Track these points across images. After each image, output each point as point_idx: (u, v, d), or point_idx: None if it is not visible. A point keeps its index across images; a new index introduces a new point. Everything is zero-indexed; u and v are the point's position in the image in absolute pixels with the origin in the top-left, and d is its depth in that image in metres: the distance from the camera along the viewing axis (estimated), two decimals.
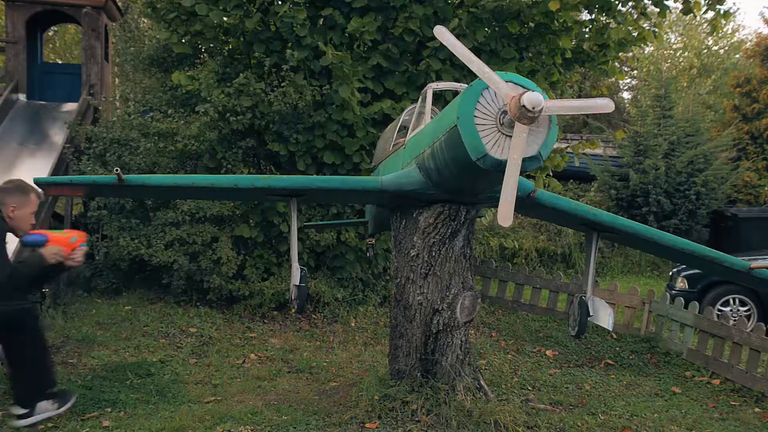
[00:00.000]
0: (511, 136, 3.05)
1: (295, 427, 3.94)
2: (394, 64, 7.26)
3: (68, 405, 4.07)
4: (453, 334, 4.13)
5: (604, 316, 3.93)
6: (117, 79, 15.17)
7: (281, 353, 5.90)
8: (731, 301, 7.69)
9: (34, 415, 3.95)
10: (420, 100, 4.37)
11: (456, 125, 3.19)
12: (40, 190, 4.12)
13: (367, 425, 3.95)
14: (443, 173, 3.58)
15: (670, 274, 8.68)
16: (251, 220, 7.26)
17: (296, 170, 7.28)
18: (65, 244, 3.96)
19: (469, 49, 3.21)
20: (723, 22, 7.89)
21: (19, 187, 4.02)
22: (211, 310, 6.89)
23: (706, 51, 23.49)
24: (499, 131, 3.13)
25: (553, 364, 6.07)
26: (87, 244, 4.17)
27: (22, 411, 3.95)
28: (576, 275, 7.93)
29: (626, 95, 25.28)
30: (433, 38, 6.62)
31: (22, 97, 9.74)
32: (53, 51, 19.37)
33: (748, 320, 7.23)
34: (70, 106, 9.67)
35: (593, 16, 7.87)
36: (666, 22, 9.24)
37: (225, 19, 7.10)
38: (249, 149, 7.29)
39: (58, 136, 8.75)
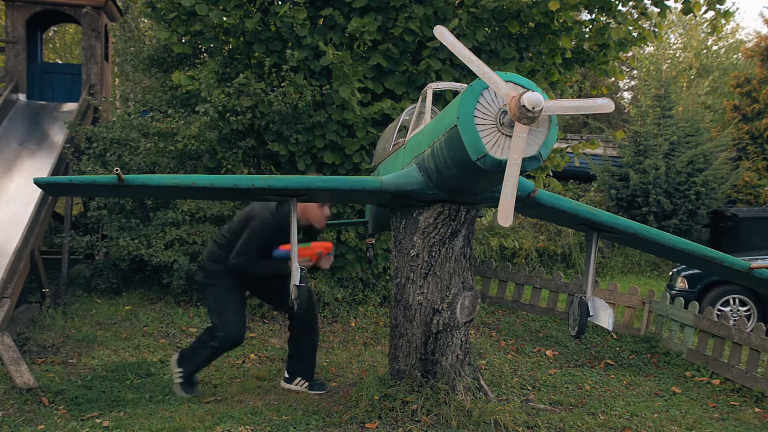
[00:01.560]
0: (511, 136, 3.05)
1: (295, 427, 3.94)
2: (394, 64, 7.26)
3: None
4: (453, 334, 4.13)
5: (604, 316, 3.93)
6: (117, 79, 15.17)
7: (281, 353, 5.90)
8: (731, 301, 7.69)
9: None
10: (420, 100, 4.37)
11: (456, 125, 3.19)
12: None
13: (367, 425, 3.95)
14: (443, 173, 3.58)
15: (670, 274, 8.69)
16: None
17: (296, 170, 7.28)
18: (311, 255, 4.37)
19: (469, 49, 3.21)
20: (723, 22, 7.88)
21: None
22: None
23: (705, 51, 23.49)
24: (499, 131, 3.13)
25: (553, 364, 6.07)
26: (333, 253, 4.54)
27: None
28: (576, 275, 7.93)
29: (626, 95, 25.30)
30: (433, 38, 6.65)
31: (22, 97, 9.76)
32: (53, 51, 19.36)
33: (748, 320, 7.24)
34: (70, 106, 9.68)
35: (593, 16, 7.87)
36: (666, 22, 9.20)
37: (225, 19, 7.10)
38: (249, 149, 7.29)
39: (58, 136, 8.76)
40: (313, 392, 4.68)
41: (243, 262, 4.36)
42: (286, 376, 4.84)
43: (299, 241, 4.24)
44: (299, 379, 4.78)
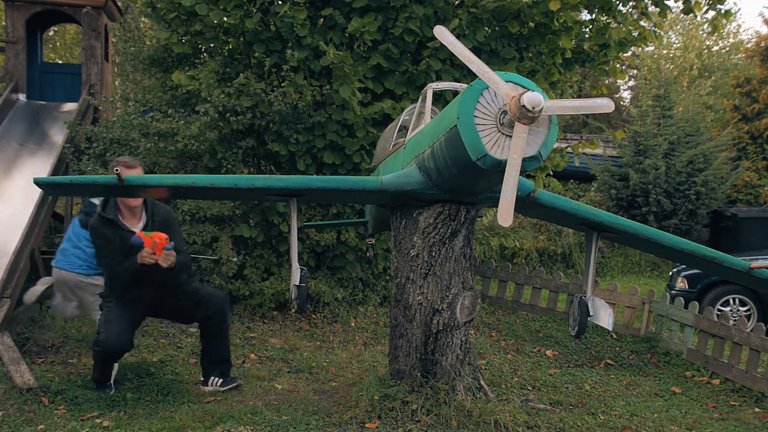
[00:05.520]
0: (511, 136, 3.05)
1: (295, 427, 3.94)
2: (394, 64, 7.26)
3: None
4: (453, 334, 4.14)
5: (604, 316, 3.93)
6: (117, 80, 15.17)
7: (281, 353, 5.90)
8: (731, 301, 7.69)
9: None
10: (420, 100, 4.37)
11: (456, 125, 3.19)
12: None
13: (367, 425, 3.95)
14: (443, 173, 3.58)
15: (670, 274, 8.69)
16: (251, 220, 7.26)
17: (296, 170, 7.28)
18: (149, 245, 4.19)
19: (469, 49, 3.21)
20: (724, 22, 7.88)
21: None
22: None
23: (706, 51, 23.49)
24: (499, 131, 3.13)
25: (553, 364, 6.07)
26: (169, 247, 4.29)
27: None
28: (576, 275, 7.93)
29: (626, 95, 25.31)
30: (433, 38, 6.65)
31: (22, 97, 9.75)
32: (53, 51, 19.37)
33: (748, 320, 7.24)
34: (70, 106, 9.68)
35: (593, 16, 7.88)
36: (666, 22, 9.24)
37: (225, 19, 7.10)
38: (249, 149, 7.29)
39: (58, 136, 8.75)
40: (226, 387, 4.66)
41: (107, 275, 4.49)
42: (202, 378, 4.79)
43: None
44: (213, 378, 4.73)
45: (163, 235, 4.23)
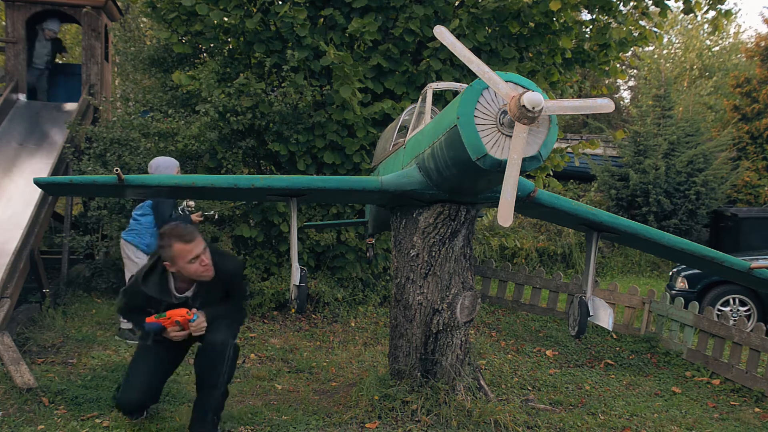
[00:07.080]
0: (511, 136, 3.05)
1: (295, 427, 3.94)
2: (394, 64, 7.26)
3: None
4: (453, 334, 4.14)
5: (604, 316, 3.93)
6: (117, 80, 15.16)
7: (281, 353, 5.90)
8: (731, 301, 7.69)
9: None
10: (420, 100, 4.38)
11: (456, 125, 3.20)
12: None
13: (367, 425, 3.95)
14: (443, 173, 3.59)
15: (670, 274, 8.69)
16: (251, 220, 7.26)
17: (296, 170, 7.28)
18: (168, 325, 3.69)
19: (469, 49, 3.21)
20: (724, 22, 7.87)
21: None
22: None
23: (706, 51, 23.48)
24: (499, 131, 3.14)
25: (553, 364, 6.07)
26: (194, 318, 3.69)
27: None
28: (576, 275, 7.93)
29: (626, 95, 25.31)
30: (434, 38, 6.65)
31: (22, 97, 9.74)
32: None
33: (748, 320, 7.24)
34: (70, 106, 9.67)
35: (594, 16, 7.88)
36: (666, 22, 9.25)
37: (225, 19, 7.10)
38: (249, 149, 7.29)
39: (58, 136, 8.75)
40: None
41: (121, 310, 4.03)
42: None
43: (158, 312, 3.71)
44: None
45: (182, 311, 3.66)
